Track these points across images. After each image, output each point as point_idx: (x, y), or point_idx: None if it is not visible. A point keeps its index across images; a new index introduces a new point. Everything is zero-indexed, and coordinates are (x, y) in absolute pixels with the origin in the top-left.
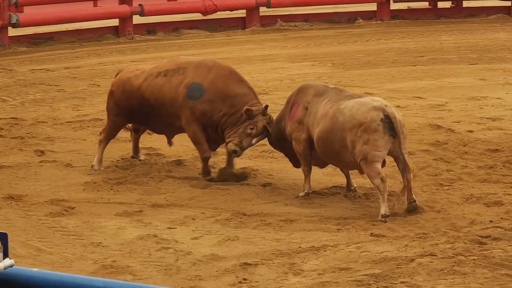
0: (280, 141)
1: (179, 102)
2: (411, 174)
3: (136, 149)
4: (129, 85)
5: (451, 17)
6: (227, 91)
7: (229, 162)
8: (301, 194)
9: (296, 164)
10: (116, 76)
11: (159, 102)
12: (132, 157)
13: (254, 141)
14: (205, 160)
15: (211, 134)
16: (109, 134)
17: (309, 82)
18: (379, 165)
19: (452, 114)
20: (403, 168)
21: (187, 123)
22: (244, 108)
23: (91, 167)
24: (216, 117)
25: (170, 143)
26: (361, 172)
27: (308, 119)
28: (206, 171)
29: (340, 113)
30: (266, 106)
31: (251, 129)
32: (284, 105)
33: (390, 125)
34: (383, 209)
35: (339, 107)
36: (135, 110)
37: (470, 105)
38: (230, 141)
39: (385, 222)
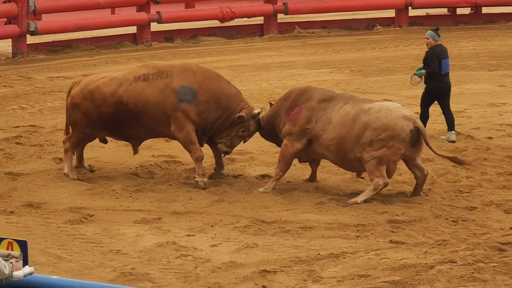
0: (271, 135)
1: (167, 105)
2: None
3: (81, 158)
4: (99, 93)
5: (470, 23)
6: (220, 91)
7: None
8: (260, 189)
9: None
10: (72, 87)
11: (140, 107)
12: (77, 167)
13: (247, 139)
14: (198, 159)
15: (197, 136)
16: (77, 144)
17: (312, 86)
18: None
19: (471, 121)
20: (420, 171)
21: (178, 126)
22: (236, 116)
23: (65, 175)
24: (211, 118)
25: (136, 151)
26: (358, 174)
27: (314, 125)
28: (201, 172)
29: (364, 113)
30: (259, 112)
31: (243, 131)
32: (279, 100)
33: (416, 136)
34: (362, 199)
35: (363, 108)
36: (107, 119)
37: (490, 111)
38: (221, 142)
39: (352, 205)
